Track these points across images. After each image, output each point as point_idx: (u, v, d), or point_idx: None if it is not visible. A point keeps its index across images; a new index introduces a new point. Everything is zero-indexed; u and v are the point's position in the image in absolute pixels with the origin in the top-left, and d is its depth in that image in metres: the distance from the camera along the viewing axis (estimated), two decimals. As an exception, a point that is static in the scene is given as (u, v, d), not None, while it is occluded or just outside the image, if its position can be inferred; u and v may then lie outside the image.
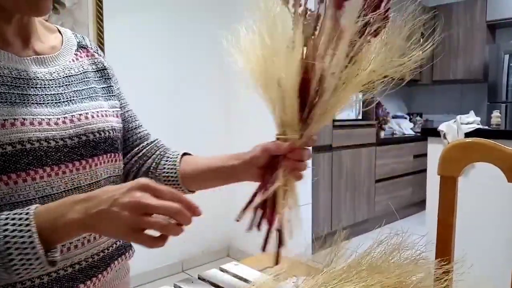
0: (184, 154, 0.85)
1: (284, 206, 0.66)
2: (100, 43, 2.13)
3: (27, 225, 0.51)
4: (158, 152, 0.86)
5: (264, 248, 0.66)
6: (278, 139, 0.68)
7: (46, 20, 0.80)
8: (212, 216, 2.77)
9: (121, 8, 2.26)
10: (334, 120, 3.09)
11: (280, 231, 0.66)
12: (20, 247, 0.50)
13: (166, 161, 0.84)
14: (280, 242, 0.66)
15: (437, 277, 0.60)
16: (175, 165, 0.82)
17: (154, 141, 0.88)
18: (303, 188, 2.71)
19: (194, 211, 0.54)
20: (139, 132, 0.86)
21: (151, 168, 0.84)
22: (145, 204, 0.51)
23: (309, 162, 0.71)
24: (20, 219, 0.52)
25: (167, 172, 0.82)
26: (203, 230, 2.73)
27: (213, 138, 2.76)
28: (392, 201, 3.80)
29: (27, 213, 0.52)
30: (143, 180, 0.53)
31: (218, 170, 0.78)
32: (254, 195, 0.67)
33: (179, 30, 2.58)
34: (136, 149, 0.85)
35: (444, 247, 0.84)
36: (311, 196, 2.81)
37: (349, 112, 3.32)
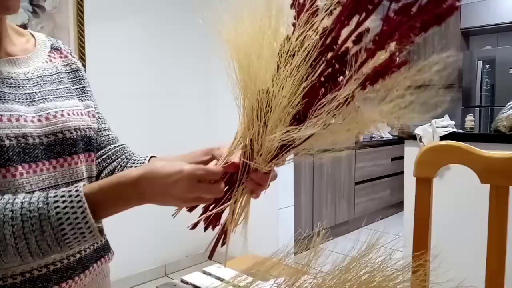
0: (152, 157, 0.83)
1: (234, 222, 0.63)
2: (81, 47, 2.10)
3: (79, 201, 0.55)
4: (124, 156, 0.84)
5: (211, 254, 0.66)
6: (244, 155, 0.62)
7: (25, 24, 0.79)
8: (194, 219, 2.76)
9: (102, 12, 2.24)
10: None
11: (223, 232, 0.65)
12: (73, 222, 0.55)
13: (133, 163, 0.82)
14: (222, 241, 0.65)
15: (414, 270, 0.61)
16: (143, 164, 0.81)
17: (121, 145, 0.86)
18: (285, 190, 2.72)
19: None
20: (108, 135, 0.84)
21: (116, 170, 0.82)
22: (204, 200, 0.61)
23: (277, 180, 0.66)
24: (70, 196, 0.56)
25: None
26: (185, 234, 2.71)
27: (196, 144, 2.75)
28: (371, 202, 3.84)
29: (77, 190, 0.56)
30: (190, 168, 0.57)
31: None
32: (209, 205, 0.65)
33: (161, 34, 2.56)
34: (102, 151, 0.82)
35: (421, 245, 0.86)
36: (293, 198, 2.82)
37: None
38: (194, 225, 0.66)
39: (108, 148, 0.83)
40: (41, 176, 0.66)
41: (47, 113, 0.69)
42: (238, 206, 0.63)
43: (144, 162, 0.81)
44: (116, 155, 0.83)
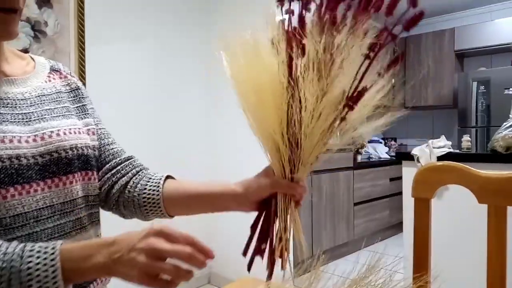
0: (168, 177, 0.83)
1: (288, 237, 0.65)
2: (82, 72, 2.13)
3: (53, 259, 0.53)
4: (134, 170, 0.83)
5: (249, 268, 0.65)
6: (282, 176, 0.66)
7: (27, 49, 0.80)
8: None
9: (103, 36, 2.27)
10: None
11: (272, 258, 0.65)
12: (41, 280, 0.52)
13: (148, 181, 0.81)
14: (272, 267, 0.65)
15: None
16: (158, 187, 0.79)
17: (129, 158, 0.85)
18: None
19: (207, 254, 0.54)
20: (112, 149, 0.83)
21: (129, 186, 0.81)
22: (158, 249, 0.52)
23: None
24: (45, 252, 0.54)
25: (149, 194, 0.79)
26: (184, 257, 2.68)
27: (200, 162, 2.75)
28: (370, 223, 3.82)
29: (53, 248, 0.54)
30: (157, 226, 0.55)
31: (206, 197, 0.76)
32: (257, 229, 0.66)
33: (163, 59, 2.59)
34: (109, 165, 0.81)
35: (421, 266, 0.85)
36: (292, 220, 2.80)
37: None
38: (245, 252, 0.66)
39: (114, 162, 0.82)
40: (35, 197, 0.65)
41: (43, 133, 0.69)
42: (289, 220, 0.66)
43: (159, 183, 0.80)
44: (126, 170, 0.82)
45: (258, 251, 0.66)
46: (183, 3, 2.71)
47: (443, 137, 2.19)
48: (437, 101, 4.43)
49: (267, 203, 0.68)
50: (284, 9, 0.61)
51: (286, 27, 0.60)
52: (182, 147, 2.71)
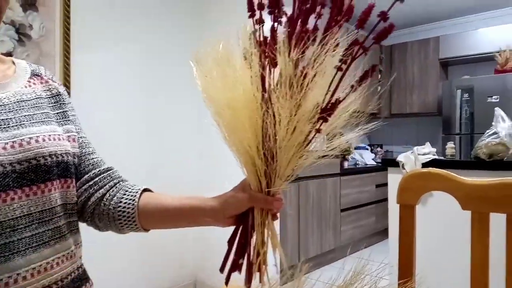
0: (145, 190, 0.81)
1: (265, 248, 0.65)
2: (67, 76, 2.10)
3: None
4: (112, 182, 0.81)
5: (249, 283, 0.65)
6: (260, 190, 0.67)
7: (11, 52, 0.79)
8: (178, 251, 2.70)
9: (89, 40, 2.25)
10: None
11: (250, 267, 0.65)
12: None
13: (124, 194, 0.79)
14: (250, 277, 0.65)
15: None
16: (134, 200, 0.78)
17: (108, 169, 0.83)
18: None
19: None
20: (92, 158, 0.82)
21: (105, 199, 0.79)
22: None
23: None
24: None
25: (124, 207, 0.77)
26: (169, 266, 2.65)
27: (188, 173, 2.73)
28: (357, 230, 3.84)
29: None
30: None
31: (182, 212, 0.75)
32: (235, 245, 0.66)
33: (151, 62, 2.58)
34: (87, 175, 0.80)
35: (406, 272, 0.85)
36: (279, 226, 2.79)
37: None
38: (222, 268, 0.66)
39: (93, 173, 0.80)
40: (12, 206, 0.64)
41: (21, 139, 0.67)
42: (266, 233, 0.66)
43: (135, 196, 0.79)
44: (104, 181, 0.81)
45: (236, 266, 0.65)
46: (172, 6, 2.70)
47: (428, 144, 2.22)
48: (422, 108, 4.49)
49: (243, 217, 0.68)
50: (255, 19, 0.61)
51: (257, 39, 0.61)
52: (174, 151, 2.69)
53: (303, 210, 3.19)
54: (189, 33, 2.78)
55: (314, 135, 0.61)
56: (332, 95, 0.60)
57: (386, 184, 2.42)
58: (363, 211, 3.92)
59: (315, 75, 0.57)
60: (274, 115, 0.58)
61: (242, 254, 0.65)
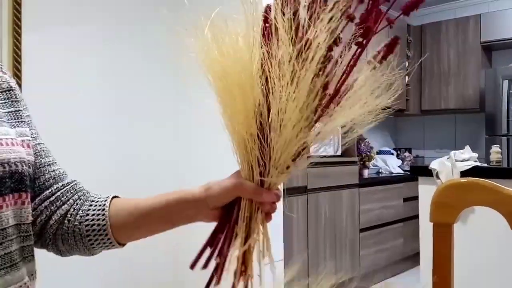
0: (115, 197, 0.81)
1: (258, 256, 0.66)
2: (17, 62, 2.09)
3: None
4: (76, 195, 0.82)
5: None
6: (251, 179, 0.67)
7: None
8: (157, 262, 2.70)
9: (45, 19, 2.24)
10: (308, 157, 3.12)
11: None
12: None
13: (90, 205, 0.79)
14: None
15: None
16: (103, 210, 0.78)
17: (71, 182, 0.83)
18: (273, 239, 2.69)
19: None
20: (53, 170, 0.82)
21: (69, 214, 0.79)
22: None
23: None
24: None
25: (92, 219, 0.78)
26: (151, 276, 2.65)
27: (164, 172, 2.73)
28: (380, 254, 3.83)
29: None
30: None
31: (160, 211, 0.76)
32: (213, 241, 0.66)
33: (121, 45, 2.58)
34: (48, 191, 0.80)
35: (441, 309, 0.85)
36: (283, 249, 2.79)
37: (326, 147, 3.38)
38: (193, 265, 0.66)
39: (55, 187, 0.80)
40: None
41: None
42: (259, 236, 0.67)
43: (104, 205, 0.79)
44: (67, 196, 0.81)
45: (205, 264, 0.66)
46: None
47: (467, 147, 2.22)
48: (460, 103, 4.50)
49: (231, 210, 0.69)
50: None
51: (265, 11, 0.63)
52: (145, 154, 2.68)
53: (312, 230, 3.19)
54: (168, 15, 2.78)
55: (319, 116, 0.61)
56: (346, 74, 0.60)
57: (416, 198, 2.42)
58: (387, 231, 3.92)
59: (322, 48, 0.58)
60: (268, 84, 0.60)
61: (217, 252, 0.66)
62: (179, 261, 2.75)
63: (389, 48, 0.60)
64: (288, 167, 0.65)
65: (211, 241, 0.67)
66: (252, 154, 0.64)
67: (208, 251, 0.67)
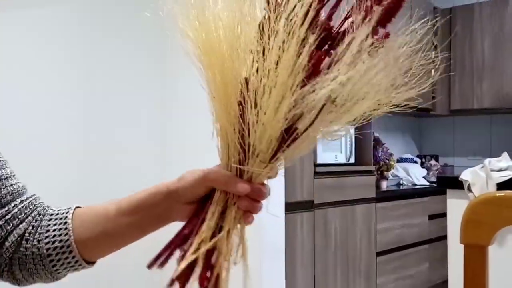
0: (78, 207, 0.82)
1: (229, 262, 0.65)
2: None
3: None
4: (36, 211, 0.82)
5: None
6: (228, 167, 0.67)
7: None
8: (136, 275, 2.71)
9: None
10: (315, 165, 3.13)
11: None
12: None
13: (50, 219, 0.80)
14: None
15: None
16: (65, 223, 0.79)
17: (30, 197, 0.84)
18: (273, 258, 2.69)
19: None
20: (11, 185, 0.82)
21: (27, 234, 0.79)
22: None
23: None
24: None
25: (53, 236, 0.78)
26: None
27: (144, 175, 2.74)
28: (402, 282, 3.83)
29: None
30: None
31: (129, 212, 0.76)
32: (179, 241, 0.66)
33: (98, 32, 2.58)
34: (5, 209, 0.80)
35: None
36: (285, 276, 2.78)
37: (337, 153, 3.38)
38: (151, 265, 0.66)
39: (13, 204, 0.81)
40: None
41: None
42: (232, 239, 0.66)
43: (66, 218, 0.79)
44: (25, 213, 0.81)
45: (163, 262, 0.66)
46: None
47: (505, 154, 2.22)
48: (497, 102, 4.51)
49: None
50: None
51: None
52: (121, 154, 2.69)
53: (320, 252, 3.19)
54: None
55: (302, 86, 0.61)
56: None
57: (444, 215, 2.42)
58: (410, 255, 3.92)
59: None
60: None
61: (178, 247, 0.66)
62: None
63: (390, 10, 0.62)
64: (274, 157, 0.64)
65: (175, 239, 0.67)
66: (229, 138, 0.64)
67: (170, 250, 0.66)
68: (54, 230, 0.78)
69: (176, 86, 2.78)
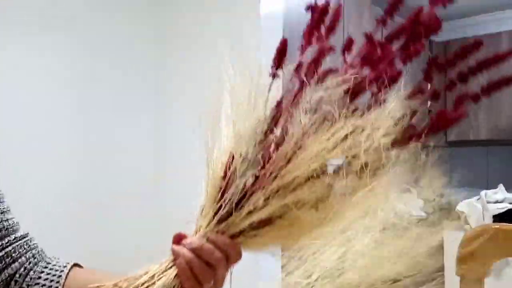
0: (76, 265, 0.82)
1: None
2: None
3: None
4: (30, 253, 0.82)
5: None
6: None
7: None
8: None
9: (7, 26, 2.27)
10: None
11: None
12: None
13: (45, 267, 0.80)
14: None
15: None
16: (59, 276, 0.79)
17: (25, 236, 0.84)
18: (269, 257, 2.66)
19: None
20: (6, 220, 0.82)
21: (17, 275, 0.79)
22: None
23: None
24: None
25: (43, 286, 0.78)
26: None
27: (144, 175, 2.75)
28: (397, 315, 3.79)
29: None
30: None
31: None
32: None
33: (99, 31, 2.60)
34: None
35: None
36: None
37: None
38: None
39: (6, 241, 0.80)
40: None
41: None
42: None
43: (61, 272, 0.79)
44: (20, 252, 0.81)
45: None
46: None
47: (501, 187, 2.23)
48: (493, 133, 4.52)
49: None
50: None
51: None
52: (121, 154, 2.69)
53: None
54: (149, 15, 2.82)
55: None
56: None
57: (441, 247, 2.41)
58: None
59: None
60: None
61: None
62: None
63: (427, 75, 0.63)
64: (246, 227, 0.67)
65: None
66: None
67: None
68: (46, 279, 0.78)
69: (176, 86, 2.79)
